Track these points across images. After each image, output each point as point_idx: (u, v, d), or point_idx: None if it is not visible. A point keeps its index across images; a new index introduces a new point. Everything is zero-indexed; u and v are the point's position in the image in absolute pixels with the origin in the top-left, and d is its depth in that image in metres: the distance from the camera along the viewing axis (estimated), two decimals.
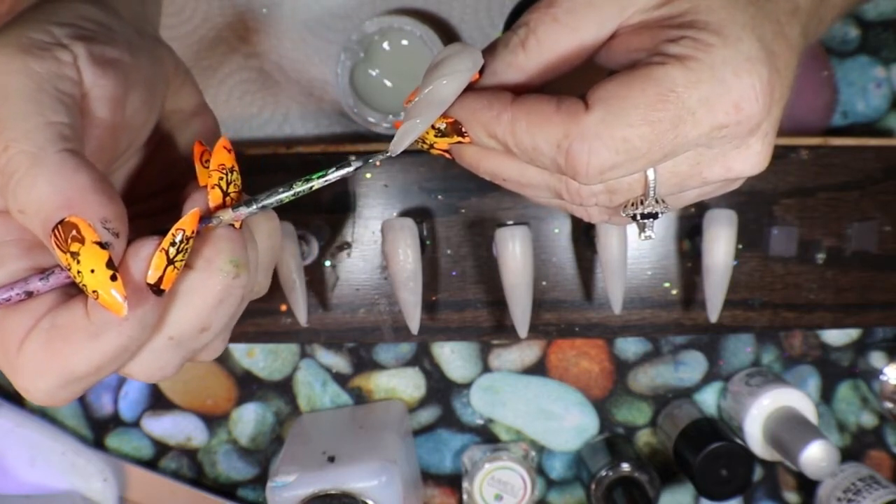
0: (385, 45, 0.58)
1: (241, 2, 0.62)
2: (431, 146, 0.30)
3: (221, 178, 0.26)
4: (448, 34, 0.61)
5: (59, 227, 0.22)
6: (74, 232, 0.22)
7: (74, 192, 0.23)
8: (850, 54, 0.62)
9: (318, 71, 0.62)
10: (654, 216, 0.29)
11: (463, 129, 0.29)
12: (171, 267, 0.24)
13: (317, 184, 0.27)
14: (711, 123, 0.26)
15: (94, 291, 0.22)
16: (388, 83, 0.59)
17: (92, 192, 0.23)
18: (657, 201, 0.29)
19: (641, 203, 0.29)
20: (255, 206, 0.26)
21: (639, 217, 0.30)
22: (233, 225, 0.26)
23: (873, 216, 0.58)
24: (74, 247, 0.22)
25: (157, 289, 0.24)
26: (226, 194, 0.26)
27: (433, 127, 0.29)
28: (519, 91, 0.29)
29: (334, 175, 0.27)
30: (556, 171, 0.28)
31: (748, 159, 0.28)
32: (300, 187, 0.27)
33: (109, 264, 0.22)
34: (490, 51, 0.30)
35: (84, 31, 0.26)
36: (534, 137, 0.27)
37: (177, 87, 0.32)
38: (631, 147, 0.26)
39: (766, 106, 0.26)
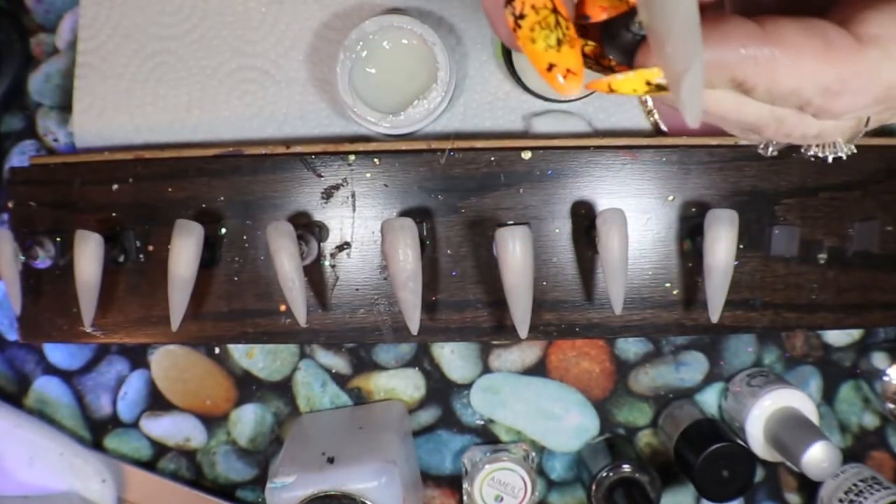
0: (385, 44, 0.57)
1: (240, 1, 0.62)
2: (612, 66, 0.25)
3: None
4: (448, 33, 0.61)
5: None
6: None
7: None
8: None
9: (318, 71, 0.62)
10: (840, 158, 0.27)
11: None
12: None
13: None
14: None
15: None
16: (388, 82, 0.58)
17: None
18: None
19: (837, 145, 0.27)
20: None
21: (829, 159, 0.27)
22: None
23: (875, 216, 0.58)
24: None
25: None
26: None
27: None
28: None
29: None
30: (799, 111, 0.24)
31: None
32: None
33: None
34: None
35: None
36: (799, 81, 0.23)
37: None
38: (891, 95, 0.23)
39: None
